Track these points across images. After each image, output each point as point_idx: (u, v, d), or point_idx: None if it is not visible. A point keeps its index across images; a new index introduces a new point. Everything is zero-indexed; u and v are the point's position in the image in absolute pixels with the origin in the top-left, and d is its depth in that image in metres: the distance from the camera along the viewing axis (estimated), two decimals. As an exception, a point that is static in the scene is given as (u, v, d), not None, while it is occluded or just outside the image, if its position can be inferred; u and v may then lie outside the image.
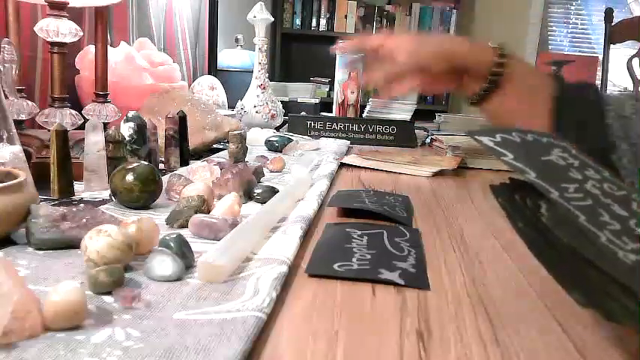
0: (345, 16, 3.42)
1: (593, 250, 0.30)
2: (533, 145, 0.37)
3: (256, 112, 1.38)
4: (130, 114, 0.71)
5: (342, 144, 1.18)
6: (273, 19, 1.42)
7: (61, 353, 0.27)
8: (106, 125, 0.84)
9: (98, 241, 0.37)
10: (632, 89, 2.00)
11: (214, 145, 1.03)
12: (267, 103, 1.39)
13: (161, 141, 0.79)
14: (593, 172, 0.36)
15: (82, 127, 0.69)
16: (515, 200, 0.35)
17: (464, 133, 1.08)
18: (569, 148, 0.38)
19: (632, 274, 0.29)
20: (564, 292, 0.30)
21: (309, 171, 0.84)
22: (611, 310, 0.28)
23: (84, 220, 0.44)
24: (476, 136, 0.36)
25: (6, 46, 0.71)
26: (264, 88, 1.40)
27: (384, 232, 0.53)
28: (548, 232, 0.33)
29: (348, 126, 1.32)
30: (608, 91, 2.31)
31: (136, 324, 0.31)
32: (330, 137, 1.30)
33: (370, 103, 1.71)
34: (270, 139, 1.09)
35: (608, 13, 2.16)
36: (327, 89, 3.32)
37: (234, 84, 1.78)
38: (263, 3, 1.40)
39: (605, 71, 2.26)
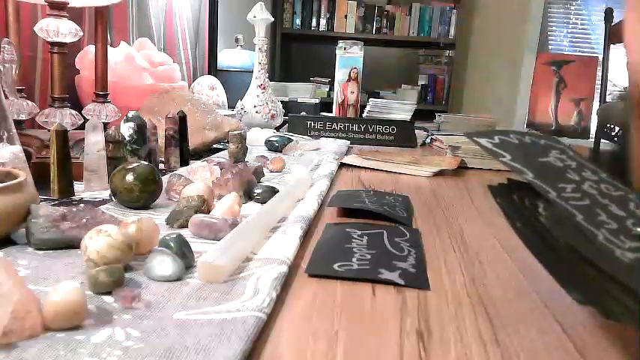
0: (345, 16, 3.41)
1: (591, 249, 0.30)
2: (531, 147, 0.37)
3: (256, 112, 1.38)
4: (130, 114, 0.71)
5: (342, 144, 1.18)
6: (273, 19, 1.42)
7: (61, 353, 0.27)
8: (106, 125, 0.84)
9: (98, 241, 0.38)
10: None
11: (214, 145, 1.03)
12: (267, 103, 1.39)
13: (161, 141, 0.79)
14: (590, 173, 0.36)
15: (82, 127, 0.69)
16: (513, 200, 0.35)
17: (463, 133, 1.08)
18: (566, 150, 0.38)
19: (630, 272, 0.29)
20: (564, 292, 0.30)
21: (309, 171, 0.84)
22: (610, 309, 0.28)
23: (84, 220, 0.44)
24: (474, 138, 0.36)
25: (6, 46, 0.71)
26: (264, 88, 1.40)
27: (384, 232, 0.53)
28: (546, 231, 0.33)
29: (348, 126, 1.32)
30: (608, 91, 2.30)
31: (136, 324, 0.31)
32: (330, 137, 1.30)
33: (370, 103, 1.71)
34: (270, 139, 1.09)
35: (608, 13, 2.16)
36: (327, 89, 3.32)
37: (234, 84, 1.78)
38: (263, 3, 1.40)
39: (605, 71, 2.26)
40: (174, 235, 0.41)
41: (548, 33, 3.50)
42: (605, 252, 0.30)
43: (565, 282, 0.30)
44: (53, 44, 0.71)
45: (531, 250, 0.33)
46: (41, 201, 0.51)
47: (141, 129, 0.71)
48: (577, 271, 0.31)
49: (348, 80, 1.53)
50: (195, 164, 0.74)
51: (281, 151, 1.05)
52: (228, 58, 2.14)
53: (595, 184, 0.35)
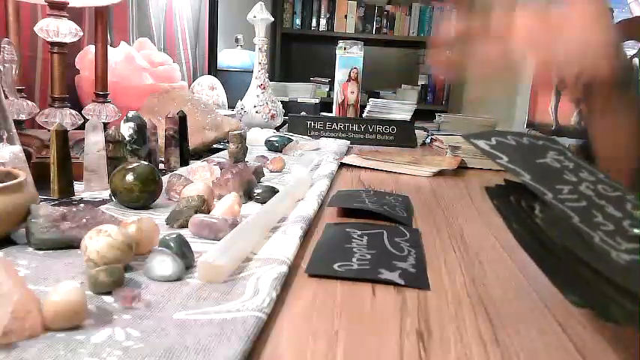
0: (345, 16, 3.41)
1: (587, 251, 0.30)
2: (528, 148, 0.37)
3: (256, 112, 1.38)
4: (130, 114, 0.71)
5: (342, 144, 1.18)
6: (273, 19, 1.42)
7: (61, 353, 0.27)
8: (106, 125, 0.84)
9: (98, 241, 0.38)
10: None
11: (214, 145, 1.03)
12: (267, 103, 1.39)
13: (161, 141, 0.79)
14: (587, 174, 0.36)
15: (82, 127, 0.69)
16: (510, 202, 0.35)
17: (461, 134, 1.08)
18: (564, 151, 0.38)
19: (626, 273, 0.29)
20: (563, 292, 0.30)
21: (309, 171, 0.84)
22: (608, 311, 0.28)
23: (84, 220, 0.44)
24: (472, 140, 0.36)
25: (6, 46, 0.71)
26: (264, 88, 1.40)
27: (384, 232, 0.53)
28: (542, 233, 0.33)
29: (348, 126, 1.32)
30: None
31: (136, 324, 0.31)
32: (330, 137, 1.30)
33: (370, 103, 1.71)
34: (270, 139, 1.09)
35: (609, 13, 2.16)
36: (327, 89, 3.32)
37: (234, 84, 1.78)
38: (263, 3, 1.40)
39: (605, 71, 2.25)
40: (174, 235, 0.41)
41: (548, 33, 3.49)
42: (602, 254, 0.30)
43: (562, 284, 0.30)
44: (53, 44, 0.71)
45: (528, 252, 0.33)
46: (41, 201, 0.51)
47: (141, 129, 0.71)
48: (574, 273, 0.31)
49: (348, 80, 1.53)
50: (195, 164, 0.74)
51: (281, 151, 1.05)
52: (228, 58, 2.14)
53: (592, 184, 0.35)
